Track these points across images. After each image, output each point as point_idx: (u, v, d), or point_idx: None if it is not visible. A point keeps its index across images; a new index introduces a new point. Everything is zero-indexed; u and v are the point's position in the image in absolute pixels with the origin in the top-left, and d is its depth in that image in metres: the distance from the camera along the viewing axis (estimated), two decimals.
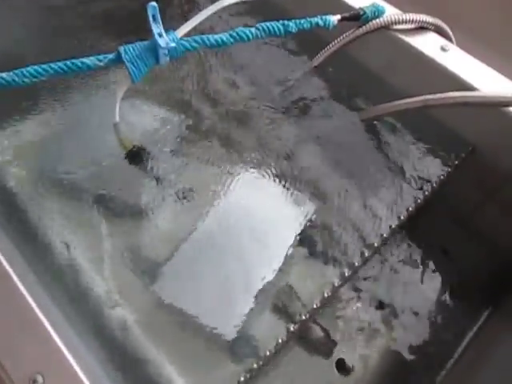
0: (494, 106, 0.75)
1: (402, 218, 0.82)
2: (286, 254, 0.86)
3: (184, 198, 0.97)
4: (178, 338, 0.78)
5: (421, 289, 1.00)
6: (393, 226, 0.81)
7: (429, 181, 0.88)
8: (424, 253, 1.02)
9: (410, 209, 0.84)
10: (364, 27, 0.90)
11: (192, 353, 0.76)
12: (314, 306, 0.75)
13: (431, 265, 1.02)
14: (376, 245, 0.80)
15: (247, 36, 0.84)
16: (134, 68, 0.79)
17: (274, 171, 0.98)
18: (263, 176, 0.98)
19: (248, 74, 1.05)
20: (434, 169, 0.89)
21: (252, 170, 0.99)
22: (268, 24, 0.85)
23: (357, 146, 0.96)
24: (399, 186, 0.90)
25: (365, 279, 0.97)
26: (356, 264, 0.77)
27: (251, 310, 0.79)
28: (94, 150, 0.98)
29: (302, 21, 0.87)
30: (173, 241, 0.91)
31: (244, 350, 0.76)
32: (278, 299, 0.81)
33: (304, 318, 0.74)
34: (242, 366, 0.72)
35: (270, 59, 1.04)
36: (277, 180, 0.97)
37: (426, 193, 0.85)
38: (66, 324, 0.71)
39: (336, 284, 0.76)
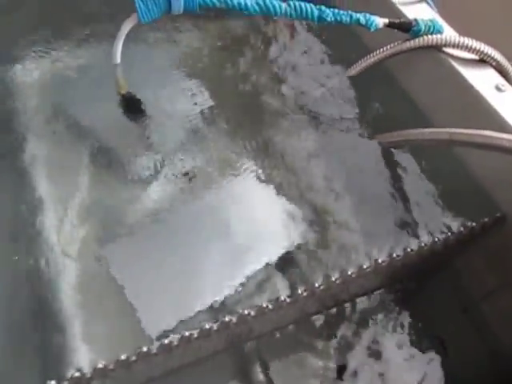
0: None
1: (379, 261, 0.66)
2: (252, 261, 0.74)
3: (180, 175, 0.88)
4: (106, 306, 0.69)
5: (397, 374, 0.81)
6: (363, 267, 0.66)
7: (434, 236, 0.71)
8: (417, 336, 0.84)
9: (395, 255, 0.67)
10: (412, 41, 0.77)
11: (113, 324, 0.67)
12: (246, 312, 0.62)
13: (420, 353, 0.83)
14: (334, 278, 0.64)
15: (275, 9, 0.75)
16: (142, 4, 0.73)
17: (277, 178, 0.87)
18: (265, 179, 0.87)
19: (277, 71, 0.96)
20: (444, 224, 0.72)
21: (255, 171, 0.89)
22: (302, 4, 0.75)
23: (369, 172, 0.82)
24: (398, 230, 0.74)
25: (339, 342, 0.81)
26: (316, 285, 0.63)
27: (187, 301, 0.69)
28: (95, 91, 0.93)
29: (342, 12, 0.76)
30: (146, 210, 0.83)
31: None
32: (220, 295, 0.69)
33: (232, 319, 0.61)
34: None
35: (306, 60, 0.94)
36: (277, 187, 0.86)
37: (423, 245, 0.68)
38: None
39: (282, 298, 0.62)
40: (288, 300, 0.62)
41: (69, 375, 0.54)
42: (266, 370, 0.78)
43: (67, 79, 0.95)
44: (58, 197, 0.82)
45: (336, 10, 0.76)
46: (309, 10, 0.75)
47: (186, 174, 0.87)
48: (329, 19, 0.76)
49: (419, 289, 0.83)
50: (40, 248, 0.75)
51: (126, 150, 0.88)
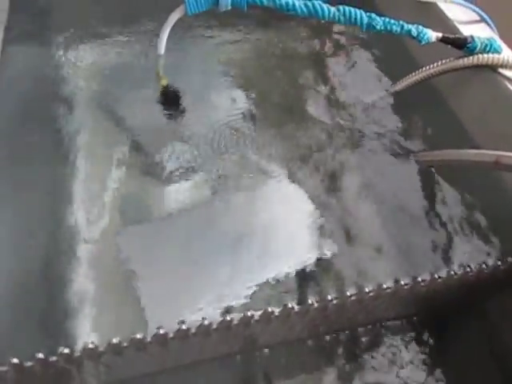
0: None
1: (401, 283, 0.61)
2: (266, 267, 0.72)
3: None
4: (111, 292, 0.69)
5: None
6: (383, 286, 0.60)
7: (466, 266, 0.65)
8: (438, 379, 0.76)
9: (420, 279, 0.62)
10: (466, 59, 0.73)
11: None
12: (249, 314, 0.58)
13: None
14: (350, 294, 0.59)
15: (323, 13, 0.74)
16: None
17: (307, 189, 0.84)
18: (295, 189, 0.85)
19: (322, 82, 0.94)
20: (480, 254, 0.66)
21: (286, 179, 0.86)
22: (352, 9, 0.73)
23: (405, 190, 0.77)
24: (428, 254, 0.68)
25: None
26: (329, 298, 0.59)
27: (193, 298, 0.68)
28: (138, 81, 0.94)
29: (393, 22, 0.73)
30: (170, 205, 0.82)
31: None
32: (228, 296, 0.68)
33: (233, 319, 0.58)
34: None
35: (351, 72, 0.92)
36: (306, 198, 0.83)
37: (452, 273, 0.62)
38: None
39: (290, 306, 0.58)
40: (296, 309, 0.58)
41: (58, 351, 0.52)
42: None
43: (113, 67, 0.97)
44: (87, 184, 0.82)
45: (387, 19, 0.73)
46: (358, 16, 0.73)
47: (216, 174, 0.85)
48: (378, 27, 0.73)
49: (443, 325, 0.75)
50: (60, 230, 0.76)
51: (160, 142, 0.88)
